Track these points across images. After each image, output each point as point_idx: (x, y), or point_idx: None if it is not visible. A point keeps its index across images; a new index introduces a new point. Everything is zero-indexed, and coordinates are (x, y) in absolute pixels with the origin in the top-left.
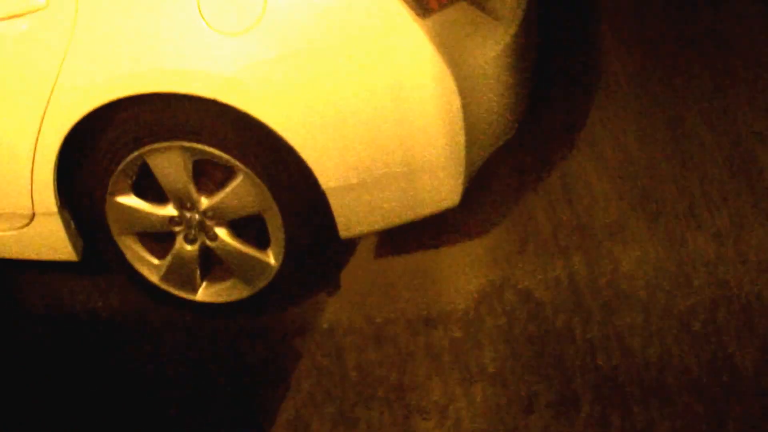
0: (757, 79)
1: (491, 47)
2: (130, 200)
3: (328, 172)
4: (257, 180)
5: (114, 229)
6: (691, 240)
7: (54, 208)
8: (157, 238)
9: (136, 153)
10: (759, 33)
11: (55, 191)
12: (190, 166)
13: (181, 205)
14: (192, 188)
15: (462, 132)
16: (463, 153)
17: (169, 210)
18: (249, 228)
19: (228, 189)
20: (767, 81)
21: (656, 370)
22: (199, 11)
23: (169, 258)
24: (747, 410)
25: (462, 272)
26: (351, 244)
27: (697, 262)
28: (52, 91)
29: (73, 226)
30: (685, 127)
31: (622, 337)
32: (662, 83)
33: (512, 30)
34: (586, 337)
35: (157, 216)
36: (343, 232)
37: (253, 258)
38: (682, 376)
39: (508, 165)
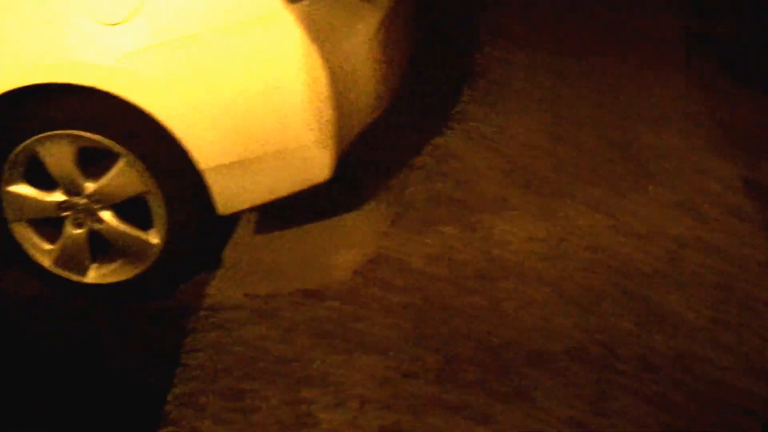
0: (639, 61)
1: (361, 29)
2: (22, 188)
3: (204, 153)
4: (138, 163)
5: (8, 217)
6: (564, 210)
7: None
8: (49, 224)
9: (24, 143)
10: (643, 16)
11: None
12: (76, 153)
13: (68, 191)
14: (78, 174)
15: (332, 110)
16: (333, 130)
17: (58, 196)
18: (134, 210)
19: (111, 173)
20: (668, 71)
21: (533, 335)
22: (81, 2)
23: (59, 243)
24: (628, 371)
25: (339, 245)
26: (232, 221)
27: (571, 231)
28: None
29: None
30: (562, 105)
31: (498, 303)
32: (541, 64)
33: (382, 12)
34: (462, 304)
35: (47, 202)
36: (222, 210)
37: (137, 238)
38: (560, 340)
39: (384, 140)
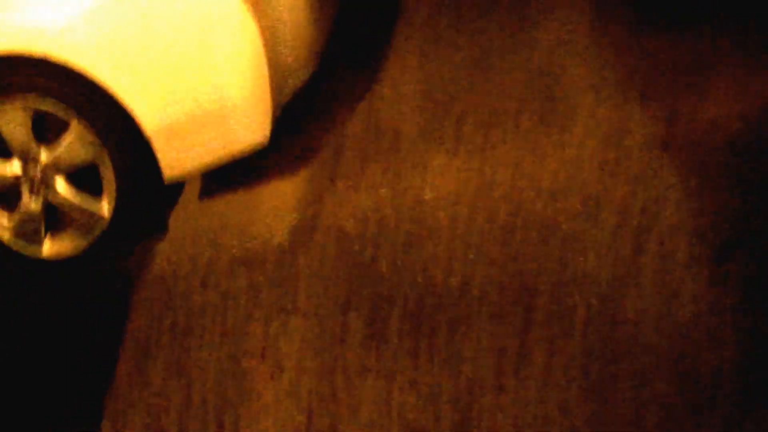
0: (569, 6)
1: None
2: None
3: (147, 116)
4: (88, 130)
5: None
6: (489, 170)
7: None
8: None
9: None
10: None
11: None
12: (30, 121)
13: (25, 160)
14: (33, 142)
15: (266, 72)
16: (268, 91)
17: (14, 165)
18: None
19: (63, 141)
20: (581, 10)
21: (459, 298)
22: None
23: (17, 215)
24: (547, 331)
25: (276, 210)
26: (178, 188)
27: (494, 190)
28: None
29: None
30: (490, 59)
31: (426, 267)
32: (460, 13)
33: None
34: (390, 269)
35: (3, 173)
36: (168, 175)
37: (88, 206)
38: (484, 303)
39: (315, 104)
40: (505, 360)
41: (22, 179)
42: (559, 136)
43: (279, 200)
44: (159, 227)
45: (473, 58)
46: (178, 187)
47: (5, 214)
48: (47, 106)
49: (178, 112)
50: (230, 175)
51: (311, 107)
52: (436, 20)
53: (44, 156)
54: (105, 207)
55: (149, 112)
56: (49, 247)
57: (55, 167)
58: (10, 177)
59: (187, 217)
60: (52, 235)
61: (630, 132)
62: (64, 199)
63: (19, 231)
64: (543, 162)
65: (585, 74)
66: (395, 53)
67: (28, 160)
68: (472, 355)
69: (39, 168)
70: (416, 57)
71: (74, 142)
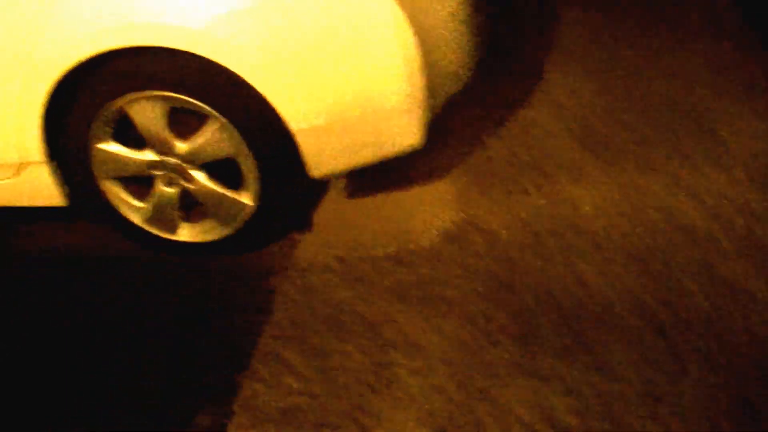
0: (711, 34)
1: None
2: (112, 147)
3: (295, 116)
4: (229, 125)
5: (99, 175)
6: (645, 183)
7: (43, 158)
8: (140, 183)
9: (116, 102)
10: None
11: (43, 142)
12: (167, 114)
13: (159, 151)
14: (169, 134)
15: (422, 77)
16: (424, 96)
17: (148, 155)
18: (226, 170)
19: (202, 134)
20: (722, 37)
21: (616, 306)
22: None
23: (151, 200)
24: (705, 345)
25: (427, 212)
26: (322, 184)
27: (652, 203)
28: (35, 48)
29: (60, 174)
30: (641, 77)
31: (582, 274)
32: (618, 35)
33: None
34: (547, 274)
35: (137, 161)
36: (313, 172)
37: (228, 199)
38: (641, 312)
39: (470, 110)
40: (660, 367)
41: (156, 169)
42: (711, 169)
43: (430, 202)
44: (303, 220)
45: (614, 85)
46: (322, 181)
47: (136, 197)
48: (185, 99)
49: (326, 114)
50: (379, 173)
51: (468, 113)
52: (576, 43)
53: (180, 148)
54: (248, 199)
55: (297, 112)
56: (185, 233)
57: (192, 159)
58: (144, 166)
59: (332, 213)
60: (191, 221)
61: None
62: (203, 190)
63: (153, 217)
64: (700, 179)
65: (730, 108)
66: (543, 71)
67: (162, 151)
68: (628, 362)
69: (174, 159)
70: (562, 76)
71: (213, 137)
